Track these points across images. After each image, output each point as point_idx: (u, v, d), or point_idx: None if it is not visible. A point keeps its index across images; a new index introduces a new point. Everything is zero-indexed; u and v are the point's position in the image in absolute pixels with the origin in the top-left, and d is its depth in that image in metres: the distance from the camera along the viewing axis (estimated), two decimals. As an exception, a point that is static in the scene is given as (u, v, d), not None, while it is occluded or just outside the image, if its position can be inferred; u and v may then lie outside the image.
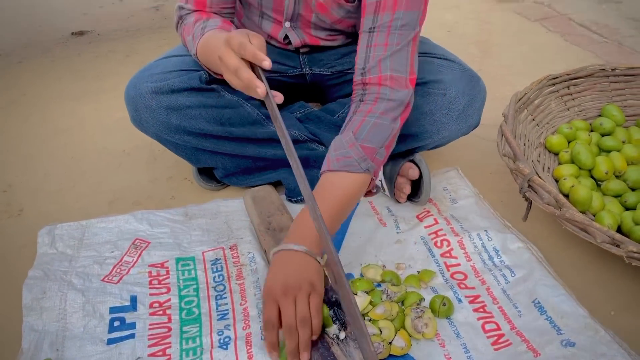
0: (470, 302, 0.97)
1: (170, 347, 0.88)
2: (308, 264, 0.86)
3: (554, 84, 1.38)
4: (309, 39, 1.22)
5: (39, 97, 1.69)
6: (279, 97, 0.84)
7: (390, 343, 0.87)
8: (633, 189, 1.19)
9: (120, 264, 1.04)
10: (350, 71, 1.28)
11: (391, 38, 0.98)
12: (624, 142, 1.31)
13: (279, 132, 0.84)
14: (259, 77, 0.84)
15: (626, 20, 2.21)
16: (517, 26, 2.23)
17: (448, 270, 1.05)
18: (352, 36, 1.25)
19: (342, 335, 0.84)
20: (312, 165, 1.21)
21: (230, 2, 1.12)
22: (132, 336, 0.89)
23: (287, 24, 1.18)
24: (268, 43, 1.23)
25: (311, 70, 1.31)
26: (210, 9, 1.09)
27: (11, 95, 1.70)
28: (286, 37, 1.21)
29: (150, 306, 0.96)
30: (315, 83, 1.35)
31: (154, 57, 1.19)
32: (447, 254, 1.08)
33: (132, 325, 0.91)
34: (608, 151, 1.29)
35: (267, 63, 0.80)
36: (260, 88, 0.80)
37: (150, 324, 0.92)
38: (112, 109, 1.59)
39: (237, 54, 0.82)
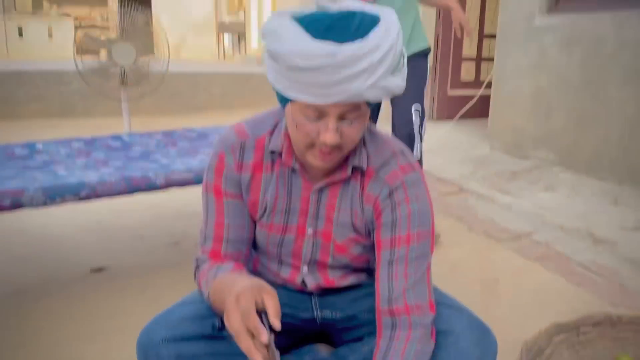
0: None
1: None
2: None
3: (561, 332, 1.37)
4: (325, 281, 1.24)
5: (49, 338, 1.66)
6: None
7: None
8: None
9: None
10: (361, 316, 1.29)
11: (409, 269, 1.07)
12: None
13: None
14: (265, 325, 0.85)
15: (624, 262, 2.23)
16: (518, 265, 2.26)
17: None
18: (365, 272, 1.28)
19: None
20: None
21: (244, 252, 1.17)
22: None
23: (305, 269, 1.22)
24: (283, 287, 1.27)
25: (322, 313, 1.31)
26: (225, 259, 1.13)
27: (21, 337, 1.66)
28: (303, 280, 1.25)
29: None
30: (325, 326, 1.34)
31: (170, 293, 1.24)
32: None
33: None
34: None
35: (264, 338, 0.82)
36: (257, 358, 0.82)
37: None
38: (121, 350, 1.57)
39: (241, 318, 0.84)
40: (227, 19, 13.87)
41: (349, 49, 0.87)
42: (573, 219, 2.69)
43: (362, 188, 1.11)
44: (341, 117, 0.95)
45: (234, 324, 0.84)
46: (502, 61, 4.11)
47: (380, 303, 1.08)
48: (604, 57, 3.21)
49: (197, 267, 1.15)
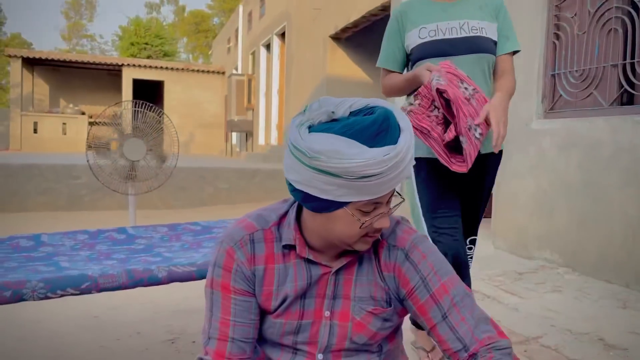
0: None
1: None
2: None
3: None
4: None
5: None
6: None
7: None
8: None
9: None
10: None
11: (463, 312, 1.09)
12: None
13: None
14: None
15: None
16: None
17: None
18: (377, 356, 1.25)
19: None
20: None
21: (248, 354, 1.16)
22: None
23: (320, 356, 1.19)
24: None
25: None
26: None
27: None
28: None
29: None
30: None
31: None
32: None
33: None
34: None
35: None
36: None
37: None
38: None
39: None
40: (235, 117, 14.41)
41: (404, 144, 0.97)
42: (582, 323, 2.62)
43: (378, 259, 1.15)
44: (388, 201, 1.04)
45: None
46: (503, 162, 4.19)
47: (460, 356, 1.09)
48: (601, 160, 3.29)
49: None
